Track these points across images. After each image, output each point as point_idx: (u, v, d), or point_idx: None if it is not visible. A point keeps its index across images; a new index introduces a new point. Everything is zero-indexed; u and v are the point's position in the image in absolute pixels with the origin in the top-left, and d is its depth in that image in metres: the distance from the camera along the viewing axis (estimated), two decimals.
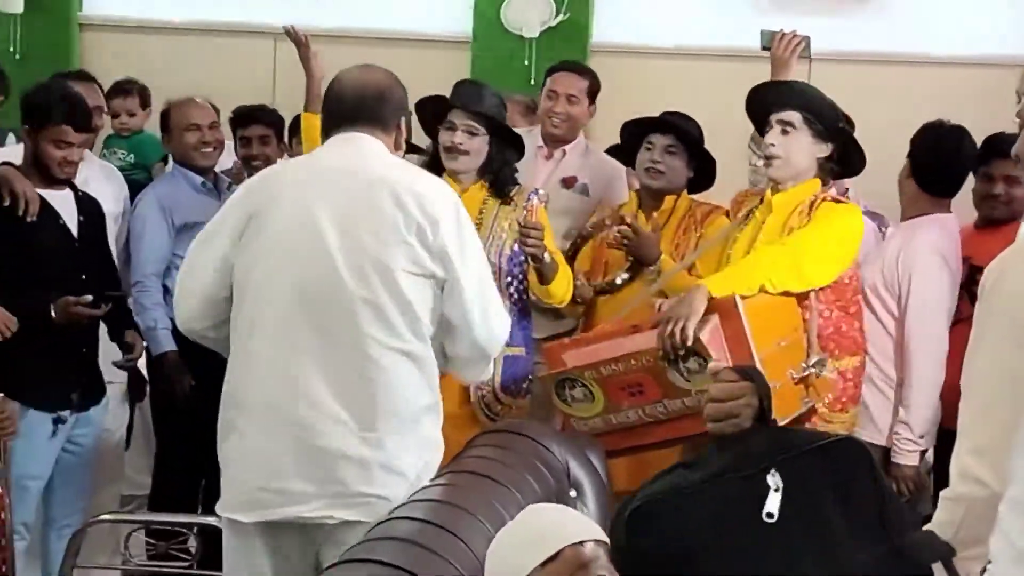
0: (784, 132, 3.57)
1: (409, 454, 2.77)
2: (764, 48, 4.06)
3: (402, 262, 2.73)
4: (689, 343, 3.16)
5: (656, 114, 4.12)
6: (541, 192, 3.77)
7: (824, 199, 3.54)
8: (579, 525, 2.25)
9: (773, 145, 3.57)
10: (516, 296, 3.79)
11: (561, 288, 3.75)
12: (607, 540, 2.20)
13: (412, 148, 4.01)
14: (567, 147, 4.66)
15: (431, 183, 2.90)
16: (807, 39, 4.00)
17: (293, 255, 2.75)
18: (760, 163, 4.10)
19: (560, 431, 3.45)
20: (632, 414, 3.36)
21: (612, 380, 3.34)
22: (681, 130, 3.99)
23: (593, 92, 4.71)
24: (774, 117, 3.59)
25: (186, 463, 4.29)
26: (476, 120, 3.71)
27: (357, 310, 2.71)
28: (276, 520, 2.74)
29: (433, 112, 3.84)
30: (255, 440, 2.75)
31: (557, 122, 4.63)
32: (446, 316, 2.83)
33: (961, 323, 3.78)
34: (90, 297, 3.75)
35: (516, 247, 3.74)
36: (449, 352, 2.91)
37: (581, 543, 2.17)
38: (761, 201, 3.67)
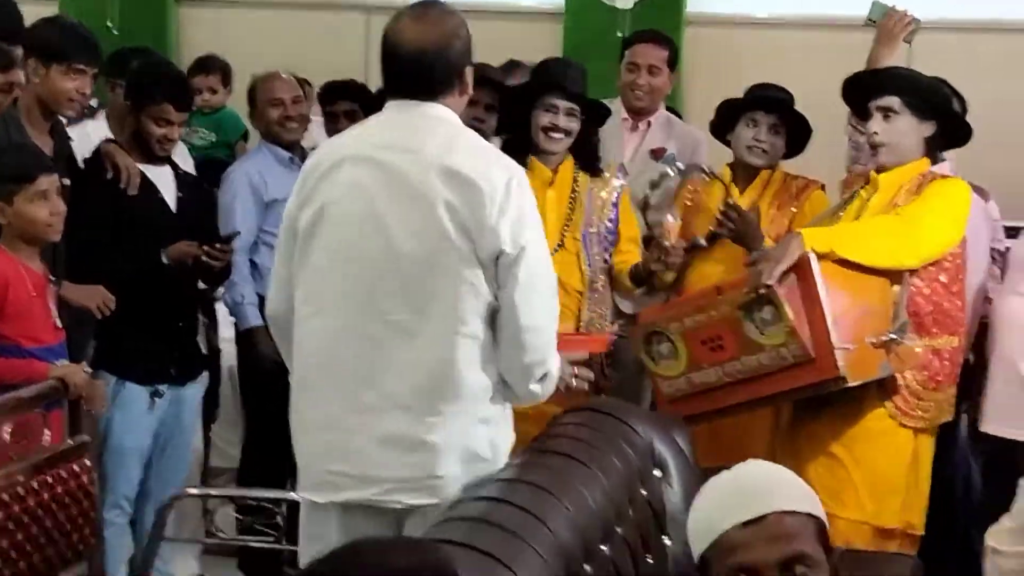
0: (886, 117, 3.53)
1: (475, 434, 2.70)
2: (870, 21, 3.96)
3: (459, 249, 2.60)
4: (771, 281, 3.22)
5: (750, 84, 4.09)
6: (676, 212, 3.83)
7: (933, 178, 3.52)
8: (794, 492, 2.04)
9: (876, 133, 3.54)
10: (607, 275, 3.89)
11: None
12: (822, 516, 2.02)
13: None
14: (651, 118, 4.59)
15: (488, 162, 2.67)
16: (917, 23, 3.92)
17: (358, 248, 2.65)
18: (863, 140, 4.03)
19: (648, 411, 3.42)
20: (712, 374, 3.42)
21: (694, 333, 3.42)
22: (785, 107, 3.94)
23: (673, 61, 4.63)
24: (873, 104, 3.56)
25: (274, 438, 4.25)
26: (576, 102, 3.73)
27: (420, 300, 2.62)
28: (347, 501, 2.71)
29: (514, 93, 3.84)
30: (322, 421, 2.71)
31: (641, 95, 4.55)
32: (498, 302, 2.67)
33: None
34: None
35: (609, 225, 3.85)
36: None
37: (791, 512, 1.96)
38: (867, 181, 3.64)
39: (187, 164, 4.52)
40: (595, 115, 3.86)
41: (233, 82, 5.55)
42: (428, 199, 2.60)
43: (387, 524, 2.72)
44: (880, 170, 3.58)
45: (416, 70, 2.66)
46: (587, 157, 3.84)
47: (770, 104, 3.95)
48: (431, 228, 2.60)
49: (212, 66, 5.55)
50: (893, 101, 3.51)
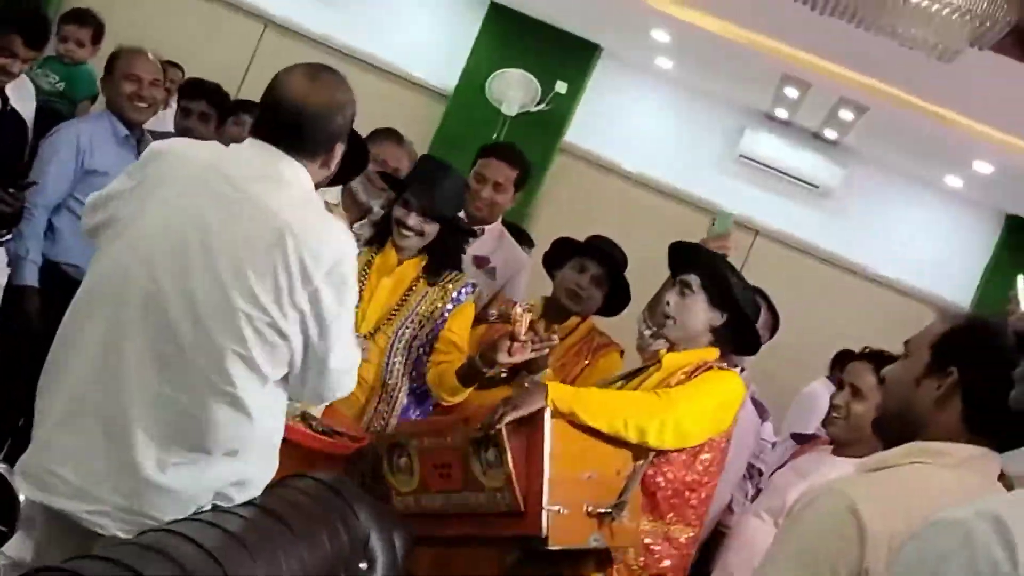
0: (682, 294, 3.55)
1: (203, 485, 2.63)
2: (712, 223, 4.02)
3: (255, 312, 2.56)
4: (498, 426, 3.16)
5: (598, 225, 4.20)
6: (526, 304, 3.61)
7: (709, 367, 3.49)
8: None
9: (668, 304, 3.55)
10: (418, 383, 3.72)
11: (468, 392, 3.69)
12: None
13: (387, 178, 3.98)
14: (486, 227, 4.61)
15: (326, 238, 2.64)
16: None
17: (152, 262, 2.56)
18: (648, 333, 4.07)
19: (378, 502, 3.36)
20: (439, 499, 3.34)
21: (428, 455, 3.34)
22: (614, 265, 3.99)
23: (520, 181, 4.61)
24: (677, 277, 3.58)
25: (8, 401, 4.13)
26: (429, 213, 3.65)
27: (192, 347, 2.55)
28: (56, 507, 2.60)
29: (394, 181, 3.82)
30: (59, 421, 2.60)
31: (480, 206, 4.54)
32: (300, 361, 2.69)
33: None
34: None
35: (427, 334, 3.68)
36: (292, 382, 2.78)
37: None
38: (657, 360, 3.61)
39: (28, 105, 4.39)
40: (464, 231, 3.82)
41: (103, 43, 5.43)
42: (246, 252, 2.55)
43: (77, 539, 2.61)
44: (670, 348, 3.60)
45: (291, 123, 2.62)
46: (435, 262, 3.74)
47: (603, 257, 3.99)
48: (235, 282, 2.54)
49: (87, 20, 5.42)
50: (692, 279, 3.53)
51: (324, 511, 2.89)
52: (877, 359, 3.55)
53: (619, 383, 3.65)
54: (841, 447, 3.68)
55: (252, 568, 2.42)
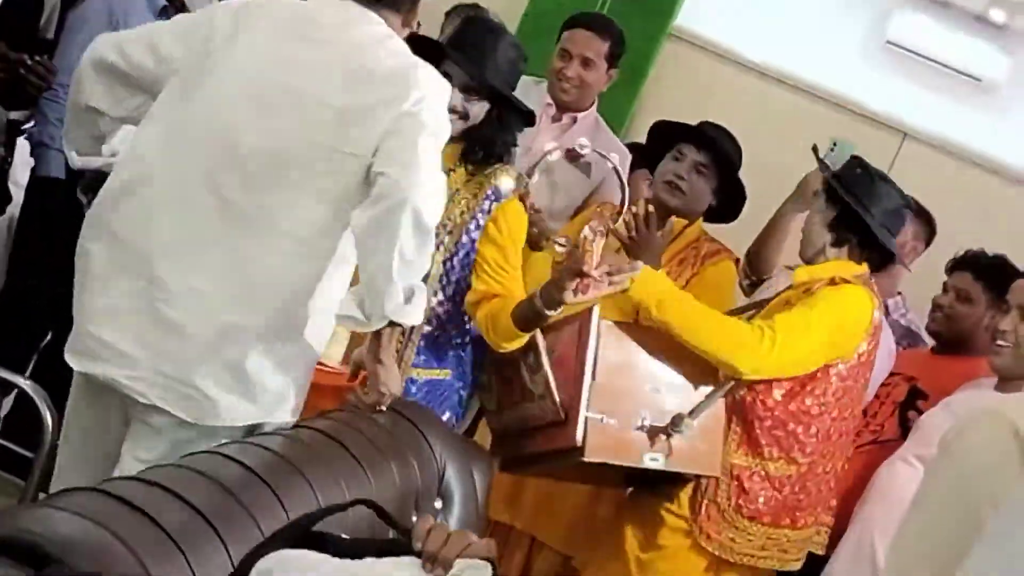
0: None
1: (270, 370, 2.70)
2: (821, 162, 3.77)
3: (337, 143, 2.67)
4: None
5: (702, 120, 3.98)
6: (602, 227, 3.14)
7: (831, 282, 3.47)
8: None
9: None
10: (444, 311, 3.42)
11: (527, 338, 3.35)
12: None
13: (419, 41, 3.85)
14: (578, 115, 4.44)
15: (411, 73, 2.75)
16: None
17: (230, 107, 2.71)
18: None
19: (455, 433, 3.34)
20: (514, 416, 3.37)
21: (496, 368, 3.41)
22: (720, 150, 3.83)
23: (613, 56, 4.40)
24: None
25: (32, 309, 4.19)
26: (480, 85, 3.35)
27: (264, 186, 2.65)
28: (96, 375, 2.69)
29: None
30: (100, 280, 2.68)
31: (567, 87, 4.36)
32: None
33: (881, 445, 3.83)
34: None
35: (455, 244, 3.39)
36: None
37: None
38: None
39: None
40: (518, 112, 3.47)
41: None
42: (328, 84, 2.70)
43: (116, 414, 2.74)
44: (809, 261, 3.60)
45: None
46: (473, 144, 3.40)
47: (704, 140, 3.81)
48: (317, 115, 2.68)
49: None
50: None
51: (394, 441, 2.91)
52: None
53: (751, 311, 3.63)
54: (1006, 381, 3.62)
55: (312, 499, 2.43)
